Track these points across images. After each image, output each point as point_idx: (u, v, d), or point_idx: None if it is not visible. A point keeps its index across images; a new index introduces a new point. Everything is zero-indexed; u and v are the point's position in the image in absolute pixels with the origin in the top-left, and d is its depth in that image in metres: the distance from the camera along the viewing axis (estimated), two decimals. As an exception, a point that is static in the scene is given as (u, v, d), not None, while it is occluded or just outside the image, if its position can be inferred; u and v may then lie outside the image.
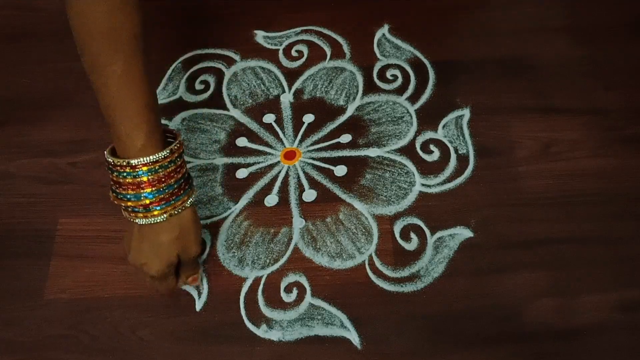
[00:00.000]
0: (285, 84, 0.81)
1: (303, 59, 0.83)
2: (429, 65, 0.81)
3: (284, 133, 0.77)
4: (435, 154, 0.74)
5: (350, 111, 0.78)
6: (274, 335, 0.65)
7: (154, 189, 0.60)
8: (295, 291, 0.67)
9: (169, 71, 0.84)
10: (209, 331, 0.66)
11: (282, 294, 0.67)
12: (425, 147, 0.75)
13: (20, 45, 0.87)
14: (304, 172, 0.74)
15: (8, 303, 0.69)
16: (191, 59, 0.85)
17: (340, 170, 0.74)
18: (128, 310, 0.67)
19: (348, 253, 0.69)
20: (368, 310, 0.66)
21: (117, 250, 0.70)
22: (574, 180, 0.72)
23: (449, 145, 0.75)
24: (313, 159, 0.75)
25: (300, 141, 0.77)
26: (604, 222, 0.69)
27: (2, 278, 0.70)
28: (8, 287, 0.70)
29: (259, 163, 0.76)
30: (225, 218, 0.72)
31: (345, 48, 0.84)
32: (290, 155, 0.76)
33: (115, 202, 0.62)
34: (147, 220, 0.61)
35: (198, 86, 0.82)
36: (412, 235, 0.69)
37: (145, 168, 0.60)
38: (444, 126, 0.76)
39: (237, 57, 0.84)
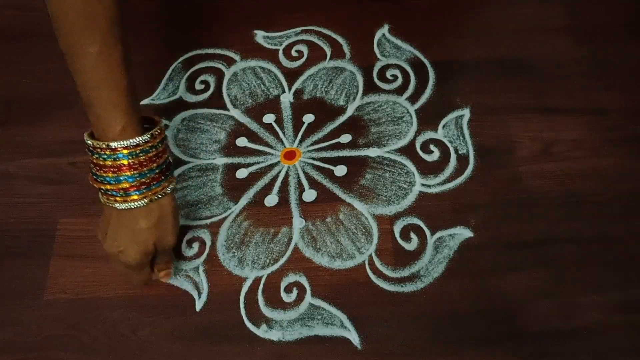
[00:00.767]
0: (285, 84, 0.81)
1: (303, 59, 0.83)
2: (429, 65, 0.81)
3: (284, 133, 0.78)
4: (435, 154, 0.74)
5: (350, 111, 0.78)
6: (274, 335, 0.65)
7: (134, 172, 0.60)
8: (295, 291, 0.67)
9: (169, 71, 0.84)
10: (209, 331, 0.66)
11: (282, 294, 0.67)
12: (425, 147, 0.75)
13: (20, 45, 0.88)
14: (304, 172, 0.74)
15: (8, 303, 0.69)
16: (191, 59, 0.85)
17: (340, 170, 0.74)
18: (128, 310, 0.67)
19: (348, 253, 0.69)
20: (368, 310, 0.66)
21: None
22: (574, 180, 0.72)
23: (449, 145, 0.75)
24: (313, 159, 0.75)
25: (300, 141, 0.77)
26: (604, 222, 0.69)
27: (2, 278, 0.71)
28: (8, 287, 0.70)
29: (259, 163, 0.76)
30: (225, 218, 0.72)
31: (345, 48, 0.84)
32: (290, 155, 0.76)
33: (95, 185, 0.62)
34: (126, 205, 0.61)
35: (198, 86, 0.83)
36: (412, 235, 0.70)
37: (125, 151, 0.60)
38: (444, 126, 0.76)
39: (237, 57, 0.84)
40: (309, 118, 0.78)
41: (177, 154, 0.77)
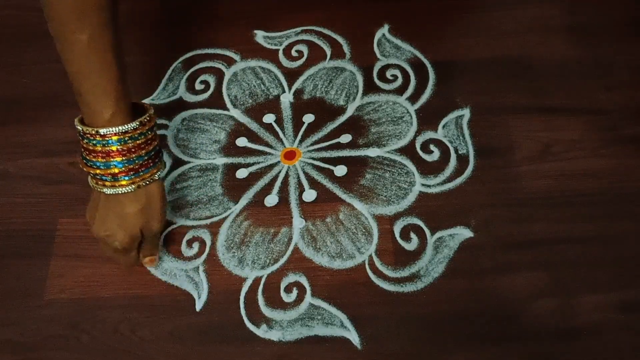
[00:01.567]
0: (285, 84, 0.82)
1: (303, 59, 0.84)
2: (429, 65, 0.81)
3: (284, 133, 0.78)
4: (435, 154, 0.75)
5: (350, 111, 0.79)
6: (274, 335, 0.65)
7: (123, 158, 0.62)
8: (295, 291, 0.68)
9: (169, 71, 0.85)
10: (209, 331, 0.66)
11: (282, 294, 0.68)
12: (425, 147, 0.75)
13: (20, 45, 0.88)
14: (304, 172, 0.75)
15: (8, 303, 0.69)
16: (191, 59, 0.86)
17: (340, 170, 0.74)
18: (128, 310, 0.68)
19: (348, 253, 0.69)
20: (368, 310, 0.66)
21: (117, 250, 0.71)
22: (573, 180, 0.72)
23: (449, 145, 0.75)
24: (313, 159, 0.76)
25: (300, 141, 0.77)
26: (603, 222, 0.69)
27: (2, 278, 0.71)
28: (8, 287, 0.70)
29: (259, 163, 0.76)
30: (226, 218, 0.73)
31: (345, 48, 0.84)
32: (290, 155, 0.76)
33: (85, 169, 0.63)
34: (114, 190, 0.62)
35: (198, 86, 0.83)
36: (412, 235, 0.70)
37: (115, 137, 0.61)
38: (444, 126, 0.77)
39: (237, 57, 0.85)
40: (309, 118, 0.79)
41: (177, 154, 0.78)
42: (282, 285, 0.68)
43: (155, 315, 0.68)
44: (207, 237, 0.71)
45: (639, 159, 0.73)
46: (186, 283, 0.69)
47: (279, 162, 0.76)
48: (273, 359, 0.64)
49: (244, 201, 0.73)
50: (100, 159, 0.62)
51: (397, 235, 0.70)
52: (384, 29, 0.85)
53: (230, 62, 0.84)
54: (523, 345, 0.64)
